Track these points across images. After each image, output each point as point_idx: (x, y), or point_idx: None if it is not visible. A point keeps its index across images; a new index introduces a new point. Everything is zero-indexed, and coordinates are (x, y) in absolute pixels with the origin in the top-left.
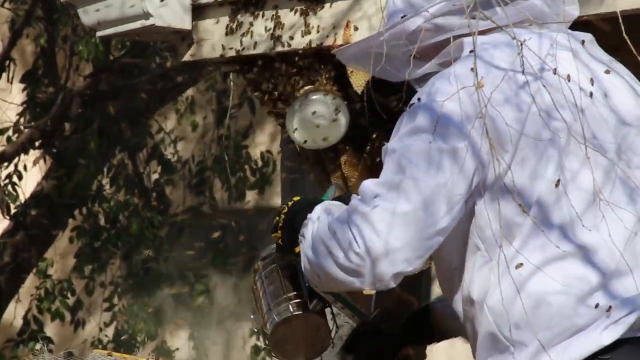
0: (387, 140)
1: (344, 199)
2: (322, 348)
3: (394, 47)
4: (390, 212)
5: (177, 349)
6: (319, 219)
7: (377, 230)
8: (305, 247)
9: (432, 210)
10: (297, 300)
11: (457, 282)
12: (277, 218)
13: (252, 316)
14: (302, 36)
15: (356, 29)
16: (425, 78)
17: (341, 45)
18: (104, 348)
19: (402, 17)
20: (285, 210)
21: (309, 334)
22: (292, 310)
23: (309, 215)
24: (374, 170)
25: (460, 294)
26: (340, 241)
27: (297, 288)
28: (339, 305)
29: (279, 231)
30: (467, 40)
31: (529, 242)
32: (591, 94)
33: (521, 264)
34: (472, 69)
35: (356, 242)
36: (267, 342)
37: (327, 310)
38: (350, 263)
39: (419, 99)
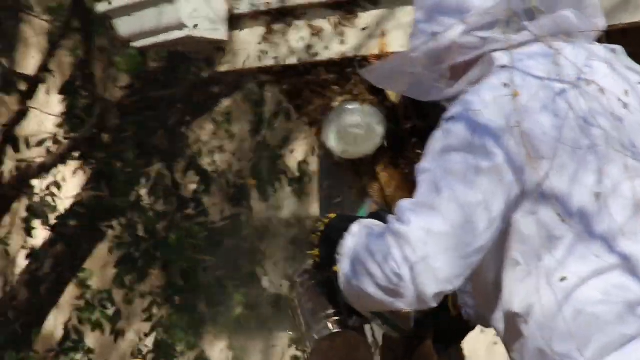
0: (424, 149)
1: (381, 215)
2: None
3: (423, 66)
4: (428, 232)
5: None
6: (357, 238)
7: (416, 251)
8: (343, 267)
9: (471, 228)
10: (336, 318)
11: (495, 298)
12: (314, 235)
13: (289, 332)
14: (337, 46)
15: (384, 35)
16: (456, 97)
17: (378, 56)
18: (143, 358)
19: (432, 34)
20: (322, 227)
21: (349, 352)
22: (331, 328)
23: (345, 234)
24: (411, 179)
25: (500, 310)
26: (378, 262)
27: (335, 305)
28: (378, 322)
29: (316, 249)
30: (498, 55)
31: (572, 253)
32: (628, 103)
33: (565, 277)
34: (505, 84)
35: (395, 262)
36: None
37: (367, 326)
38: (390, 284)
39: (452, 117)
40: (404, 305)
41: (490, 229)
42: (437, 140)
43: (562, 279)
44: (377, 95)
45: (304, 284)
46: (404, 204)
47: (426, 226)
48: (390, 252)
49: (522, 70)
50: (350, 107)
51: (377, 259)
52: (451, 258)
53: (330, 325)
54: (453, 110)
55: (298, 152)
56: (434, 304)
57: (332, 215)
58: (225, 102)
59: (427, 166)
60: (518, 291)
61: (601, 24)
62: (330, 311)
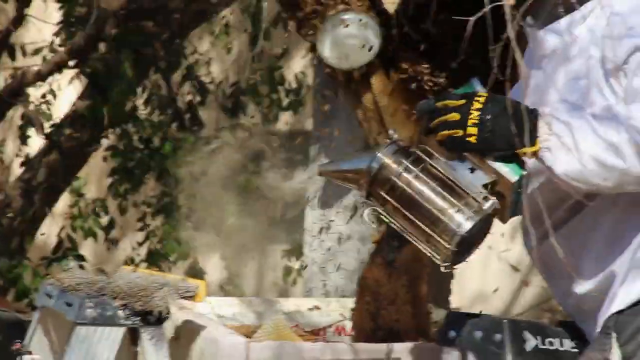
0: (418, 63)
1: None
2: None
3: None
4: None
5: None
6: (597, 121)
7: None
8: (595, 150)
9: None
10: (483, 197)
11: None
12: (455, 114)
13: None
14: None
15: None
16: None
17: None
18: (136, 267)
19: None
20: (478, 106)
21: (483, 232)
22: (485, 208)
23: (566, 119)
24: (405, 91)
25: None
26: None
27: (452, 189)
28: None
29: (470, 128)
30: None
31: None
32: None
33: None
34: None
35: None
36: (451, 244)
37: None
38: None
39: None
40: None
41: None
42: None
43: None
44: (373, 6)
45: (409, 170)
46: None
47: None
48: None
49: None
50: (345, 17)
51: None
52: None
53: (485, 203)
54: None
55: (295, 64)
56: None
57: (482, 95)
58: (223, 13)
59: None
60: None
61: None
62: (477, 192)
